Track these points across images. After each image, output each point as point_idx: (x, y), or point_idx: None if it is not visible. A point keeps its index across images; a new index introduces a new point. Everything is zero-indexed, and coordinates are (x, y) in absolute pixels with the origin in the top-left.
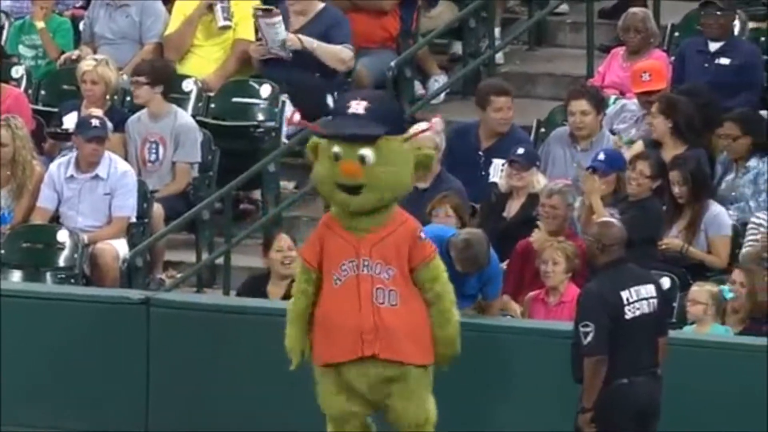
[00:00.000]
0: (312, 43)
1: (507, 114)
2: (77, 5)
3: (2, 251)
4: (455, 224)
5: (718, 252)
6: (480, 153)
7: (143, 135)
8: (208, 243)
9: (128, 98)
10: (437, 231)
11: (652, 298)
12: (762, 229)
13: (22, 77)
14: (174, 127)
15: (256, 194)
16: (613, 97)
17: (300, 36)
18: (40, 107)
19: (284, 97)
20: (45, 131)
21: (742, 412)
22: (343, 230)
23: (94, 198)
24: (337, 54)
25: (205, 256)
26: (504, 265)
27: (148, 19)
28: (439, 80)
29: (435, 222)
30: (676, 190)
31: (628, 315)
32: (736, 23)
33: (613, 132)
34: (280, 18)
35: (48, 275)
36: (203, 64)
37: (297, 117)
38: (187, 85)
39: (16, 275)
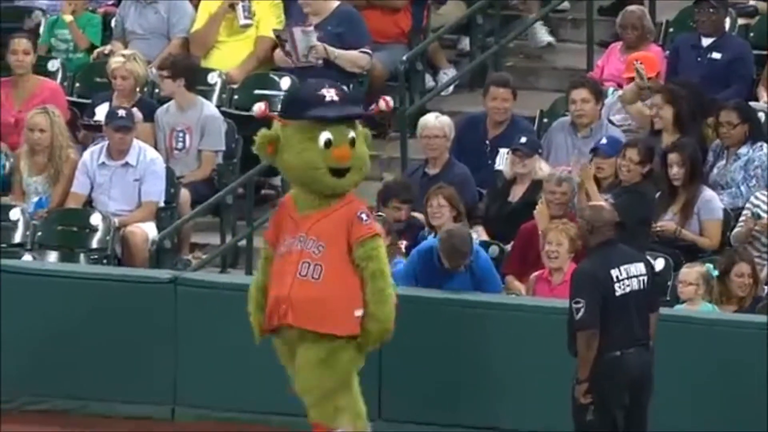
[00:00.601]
0: (333, 52)
1: (501, 104)
2: (109, 3)
3: (40, 233)
4: (449, 213)
5: (710, 234)
6: (486, 142)
7: (171, 125)
8: (232, 226)
9: (157, 90)
10: (431, 241)
11: (641, 275)
12: (747, 213)
13: (57, 71)
14: (200, 118)
15: (276, 180)
16: (611, 89)
17: (324, 45)
18: (74, 99)
19: None
20: (78, 122)
21: (732, 384)
22: (293, 210)
23: (125, 184)
24: (355, 61)
25: (228, 238)
26: (509, 247)
27: (175, 15)
28: (448, 73)
29: (429, 212)
30: (674, 170)
31: (618, 292)
32: (727, 20)
33: (610, 122)
34: (312, 26)
35: (82, 256)
36: (227, 58)
37: (261, 107)
38: (212, 78)
39: (53, 256)
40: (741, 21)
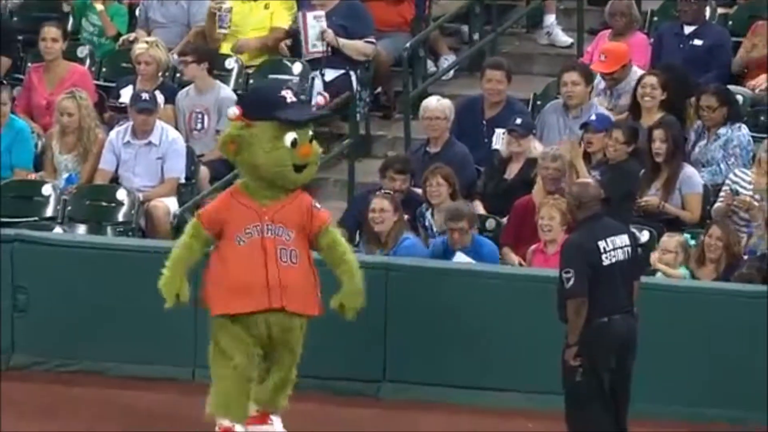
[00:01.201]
0: (340, 41)
1: (496, 86)
2: None
3: (70, 208)
4: (446, 191)
5: (691, 208)
6: (483, 123)
7: (190, 107)
8: None
9: (177, 75)
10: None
11: (626, 246)
12: (726, 189)
13: (86, 57)
14: (217, 100)
15: None
16: (599, 74)
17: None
18: (101, 82)
19: (314, 74)
20: (106, 104)
21: (708, 346)
22: (249, 200)
23: (148, 161)
24: (360, 49)
25: None
26: (504, 220)
27: (194, 5)
28: (448, 59)
29: (428, 190)
30: (656, 144)
31: (605, 262)
32: (707, 9)
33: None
34: (323, 14)
35: (109, 229)
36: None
37: (236, 111)
38: (230, 63)
39: (81, 229)
40: (720, 10)
